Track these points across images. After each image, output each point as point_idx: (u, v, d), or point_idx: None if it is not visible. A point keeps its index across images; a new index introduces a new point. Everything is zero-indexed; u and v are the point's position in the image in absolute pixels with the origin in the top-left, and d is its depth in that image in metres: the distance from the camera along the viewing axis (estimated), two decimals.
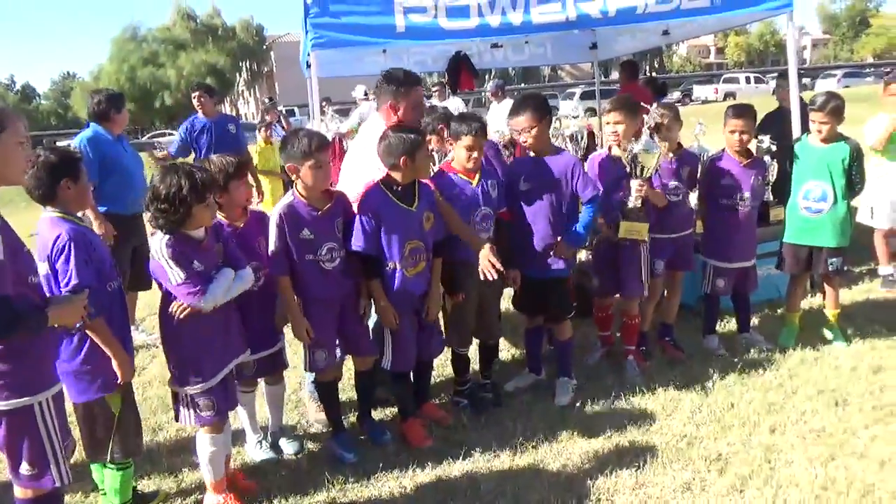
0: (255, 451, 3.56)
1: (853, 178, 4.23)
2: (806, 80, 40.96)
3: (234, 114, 63.68)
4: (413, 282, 3.42)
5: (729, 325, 4.78)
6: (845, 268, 5.74)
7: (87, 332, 2.64)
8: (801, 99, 5.31)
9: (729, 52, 79.89)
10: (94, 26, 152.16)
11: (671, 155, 4.20)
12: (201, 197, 2.75)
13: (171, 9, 53.00)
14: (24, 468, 2.35)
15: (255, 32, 55.40)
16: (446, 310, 3.73)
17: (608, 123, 4.03)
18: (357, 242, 3.30)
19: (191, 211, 2.74)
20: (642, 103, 4.45)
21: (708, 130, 5.07)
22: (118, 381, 2.74)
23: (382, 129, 3.46)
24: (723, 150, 4.37)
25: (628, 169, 3.88)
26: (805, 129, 4.74)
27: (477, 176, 3.58)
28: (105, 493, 3.02)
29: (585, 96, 27.44)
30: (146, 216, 2.88)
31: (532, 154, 3.81)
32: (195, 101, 6.51)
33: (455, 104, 8.38)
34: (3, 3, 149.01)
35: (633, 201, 3.88)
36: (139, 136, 44.08)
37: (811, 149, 4.29)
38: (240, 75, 57.01)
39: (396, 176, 3.34)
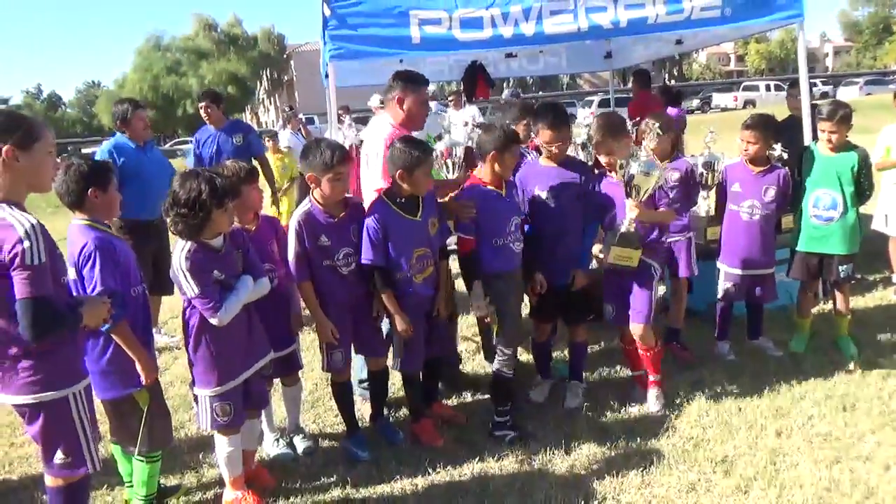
0: (271, 448, 3.68)
1: (862, 186, 4.27)
2: (828, 88, 40.78)
3: (254, 122, 64.48)
4: (422, 286, 3.52)
5: (741, 330, 4.81)
6: (858, 275, 5.79)
7: (112, 335, 2.76)
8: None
9: (749, 60, 79.30)
10: (119, 36, 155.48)
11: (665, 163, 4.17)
12: (220, 202, 2.85)
13: (192, 18, 54.01)
14: (59, 457, 2.49)
15: (276, 42, 56.13)
16: (484, 327, 3.80)
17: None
18: (366, 256, 3.40)
19: (210, 216, 2.82)
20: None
21: (719, 138, 5.14)
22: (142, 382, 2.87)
23: (382, 129, 3.57)
24: (740, 158, 4.46)
25: (624, 190, 3.65)
26: (815, 137, 4.78)
27: (504, 186, 3.62)
28: (131, 486, 3.15)
29: (603, 104, 27.50)
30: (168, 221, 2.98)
31: (552, 163, 3.81)
32: (202, 112, 6.34)
33: (471, 112, 8.49)
34: (30, 13, 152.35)
35: (627, 225, 3.61)
36: (162, 143, 44.83)
37: (820, 157, 4.34)
38: (260, 84, 57.80)
39: (396, 188, 3.44)
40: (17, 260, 2.23)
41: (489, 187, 3.58)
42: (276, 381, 3.72)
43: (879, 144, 5.51)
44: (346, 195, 3.51)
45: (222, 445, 3.11)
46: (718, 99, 41.16)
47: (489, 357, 4.02)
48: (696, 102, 41.05)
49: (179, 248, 2.88)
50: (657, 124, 4.15)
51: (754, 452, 3.35)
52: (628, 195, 3.58)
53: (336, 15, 4.56)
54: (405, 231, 3.44)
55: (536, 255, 3.77)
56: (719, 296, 4.55)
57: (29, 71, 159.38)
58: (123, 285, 2.80)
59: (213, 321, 2.87)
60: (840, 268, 4.35)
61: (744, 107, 37.01)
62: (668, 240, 4.23)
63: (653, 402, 3.88)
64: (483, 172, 3.62)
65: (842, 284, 4.45)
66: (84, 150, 29.01)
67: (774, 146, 5.33)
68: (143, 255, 4.94)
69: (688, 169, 4.37)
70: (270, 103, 62.00)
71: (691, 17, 4.94)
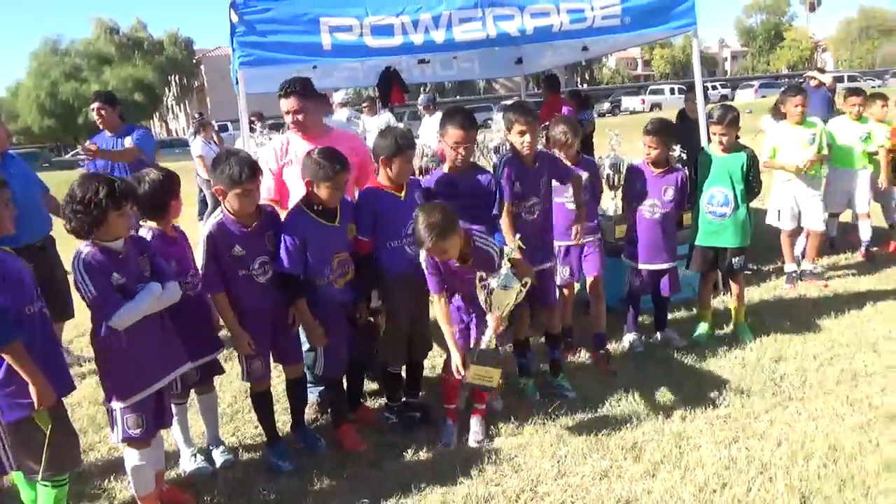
0: (188, 464, 3.59)
1: (751, 184, 4.61)
2: (727, 91, 43.25)
3: (162, 130, 61.96)
4: (342, 291, 3.56)
5: (647, 322, 5.07)
6: (753, 266, 6.20)
7: (3, 355, 2.64)
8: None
9: (655, 65, 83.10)
10: (10, 39, 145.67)
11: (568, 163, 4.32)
12: (117, 205, 2.81)
13: (91, 22, 51.43)
14: None
15: (183, 46, 54.16)
16: (378, 327, 3.74)
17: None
18: (282, 264, 3.40)
19: (106, 217, 2.78)
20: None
21: (623, 140, 5.42)
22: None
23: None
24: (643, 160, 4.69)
25: (483, 304, 3.34)
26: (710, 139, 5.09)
27: (405, 189, 3.66)
28: None
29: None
30: (64, 223, 2.89)
31: (459, 168, 3.82)
32: (95, 115, 5.61)
33: (386, 119, 8.54)
34: None
35: (486, 341, 3.37)
36: (62, 153, 42.47)
37: (713, 158, 4.67)
38: (169, 90, 55.66)
39: (313, 196, 3.44)
40: None
41: (387, 190, 3.64)
42: (192, 393, 3.63)
43: (767, 145, 5.92)
44: (260, 204, 3.49)
45: (132, 459, 3.03)
46: (627, 102, 42.94)
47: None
48: (606, 105, 42.62)
49: (77, 250, 2.83)
50: (570, 129, 4.30)
51: (661, 437, 3.55)
52: (488, 310, 3.35)
53: (244, 21, 4.49)
54: (324, 238, 3.46)
55: None
56: (625, 289, 4.78)
57: None
58: (15, 303, 2.68)
59: (110, 324, 2.82)
60: (734, 259, 4.69)
61: (651, 109, 38.76)
62: (570, 243, 4.44)
63: (477, 431, 3.66)
64: (381, 176, 3.67)
65: (736, 275, 4.79)
66: None
67: (674, 147, 5.68)
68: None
69: (595, 170, 4.59)
70: (180, 110, 59.92)
71: (593, 25, 5.14)
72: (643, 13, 5.26)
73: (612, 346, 4.75)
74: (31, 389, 2.69)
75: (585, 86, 60.13)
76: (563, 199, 4.43)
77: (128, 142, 5.47)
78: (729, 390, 4.01)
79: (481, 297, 3.31)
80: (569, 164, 4.29)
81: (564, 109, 8.42)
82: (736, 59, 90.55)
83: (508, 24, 4.93)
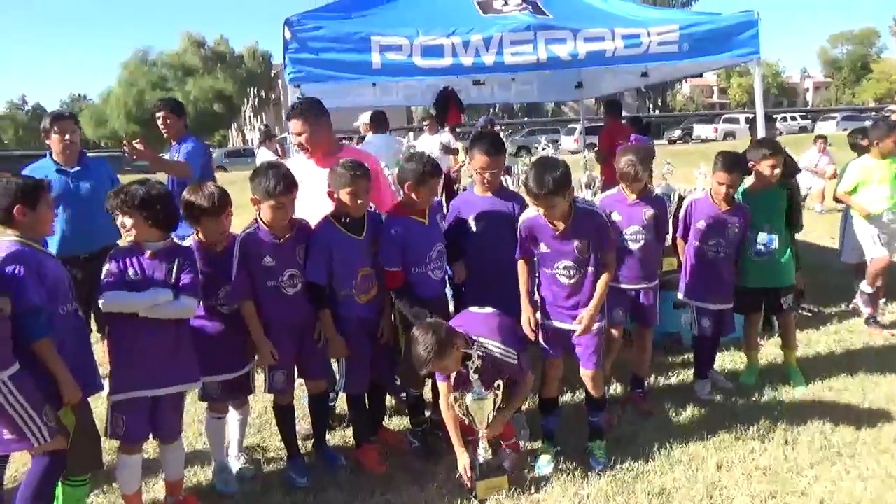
0: (218, 476, 3.55)
1: (793, 220, 4.45)
2: (807, 122, 41.70)
3: (239, 140, 64.22)
4: (365, 307, 3.56)
5: (676, 361, 4.82)
6: (814, 308, 5.87)
7: (35, 350, 2.74)
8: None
9: (732, 93, 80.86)
10: (106, 49, 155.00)
11: (633, 196, 4.08)
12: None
13: (180, 35, 54.14)
14: (7, 434, 2.70)
15: (261, 60, 56.30)
16: (401, 349, 3.70)
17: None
18: (311, 273, 3.44)
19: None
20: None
21: (676, 170, 5.24)
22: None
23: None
24: (705, 193, 4.36)
25: (466, 421, 3.38)
26: None
27: (427, 214, 3.64)
28: None
29: (591, 132, 27.43)
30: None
31: (487, 193, 3.82)
32: (160, 123, 5.35)
33: (445, 139, 8.56)
34: (17, 23, 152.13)
35: (484, 455, 3.38)
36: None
37: (756, 194, 4.41)
38: (247, 102, 57.85)
39: (341, 206, 3.48)
40: None
41: (412, 217, 3.60)
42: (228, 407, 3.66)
43: (849, 176, 5.61)
44: (293, 218, 3.52)
45: (118, 461, 3.11)
46: (699, 130, 41.75)
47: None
48: (677, 133, 41.68)
49: None
50: (637, 158, 3.98)
51: (692, 486, 3.35)
52: (472, 425, 3.38)
53: (297, 38, 4.58)
54: (350, 250, 3.48)
55: (477, 287, 3.77)
56: (695, 333, 4.41)
57: (15, 82, 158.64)
58: (50, 303, 2.78)
59: (99, 302, 2.94)
60: (782, 300, 4.45)
61: (724, 138, 37.62)
62: (632, 287, 4.11)
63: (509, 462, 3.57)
64: (405, 200, 3.65)
65: (786, 315, 4.53)
66: None
67: None
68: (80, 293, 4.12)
69: (663, 206, 4.22)
70: (257, 121, 62.04)
71: (649, 51, 5.02)
72: (703, 40, 5.12)
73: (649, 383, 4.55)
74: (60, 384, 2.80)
75: (657, 112, 59.05)
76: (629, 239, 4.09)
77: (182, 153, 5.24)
78: (772, 440, 3.76)
79: (460, 412, 3.34)
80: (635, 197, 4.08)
81: (632, 138, 8.27)
82: (818, 89, 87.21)
83: (560, 47, 4.87)
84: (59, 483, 2.97)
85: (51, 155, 4.63)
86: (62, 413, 2.86)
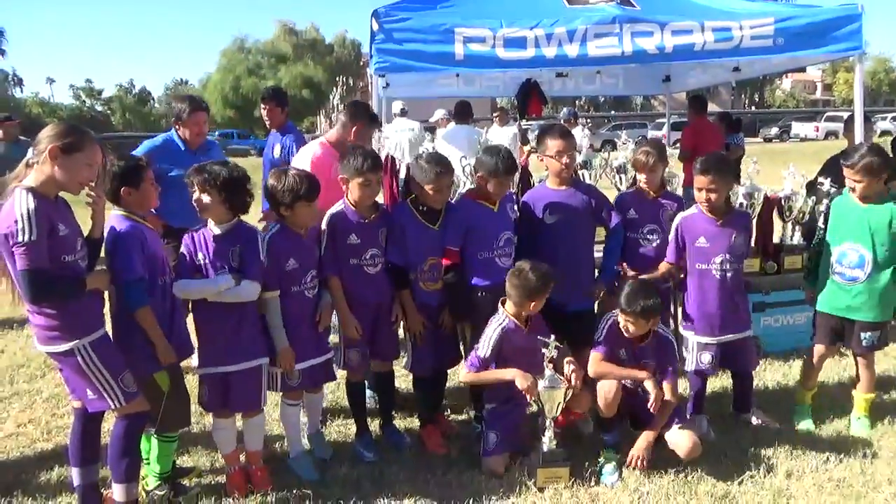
0: (296, 463, 3.60)
1: None
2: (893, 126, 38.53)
3: (326, 126, 65.78)
4: (429, 295, 3.70)
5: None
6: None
7: (137, 318, 3.00)
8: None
9: (837, 89, 76.05)
10: (207, 37, 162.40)
11: (652, 194, 4.13)
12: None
13: (274, 23, 55.98)
14: (90, 395, 2.91)
15: (351, 48, 57.44)
16: (465, 336, 3.84)
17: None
18: (391, 254, 3.62)
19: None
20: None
21: (761, 169, 5.05)
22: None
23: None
24: (694, 206, 3.87)
25: (535, 409, 3.44)
26: None
27: (497, 202, 3.73)
28: (149, 463, 3.36)
29: (676, 128, 26.45)
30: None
31: (562, 186, 3.90)
32: (264, 113, 5.68)
33: (512, 131, 8.58)
34: (128, 9, 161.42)
35: (549, 443, 3.40)
36: (234, 139, 46.40)
37: (850, 207, 3.79)
38: (336, 89, 59.21)
39: (422, 195, 3.64)
40: (11, 237, 2.61)
41: (480, 202, 3.71)
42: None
43: None
44: (377, 202, 3.70)
45: (213, 422, 3.40)
46: (798, 128, 39.54)
47: None
48: (774, 130, 39.64)
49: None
50: (655, 152, 4.06)
51: (759, 492, 3.28)
52: (542, 412, 3.39)
53: (383, 29, 4.70)
54: (422, 237, 3.64)
55: None
56: (692, 368, 3.87)
57: (124, 65, 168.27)
58: (150, 273, 3.03)
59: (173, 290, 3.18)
60: (863, 335, 3.79)
61: (825, 137, 35.40)
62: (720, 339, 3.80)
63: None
64: (477, 187, 3.77)
65: (866, 355, 3.88)
66: None
67: (822, 181, 5.18)
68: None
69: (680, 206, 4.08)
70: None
71: (741, 45, 4.86)
72: (800, 34, 4.91)
73: None
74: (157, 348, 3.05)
75: (753, 108, 56.40)
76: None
77: (286, 142, 5.49)
78: (850, 452, 3.61)
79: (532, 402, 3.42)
80: (653, 193, 4.12)
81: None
82: None
83: (646, 40, 4.78)
84: (154, 437, 3.24)
85: (176, 133, 4.90)
86: (158, 376, 3.11)
